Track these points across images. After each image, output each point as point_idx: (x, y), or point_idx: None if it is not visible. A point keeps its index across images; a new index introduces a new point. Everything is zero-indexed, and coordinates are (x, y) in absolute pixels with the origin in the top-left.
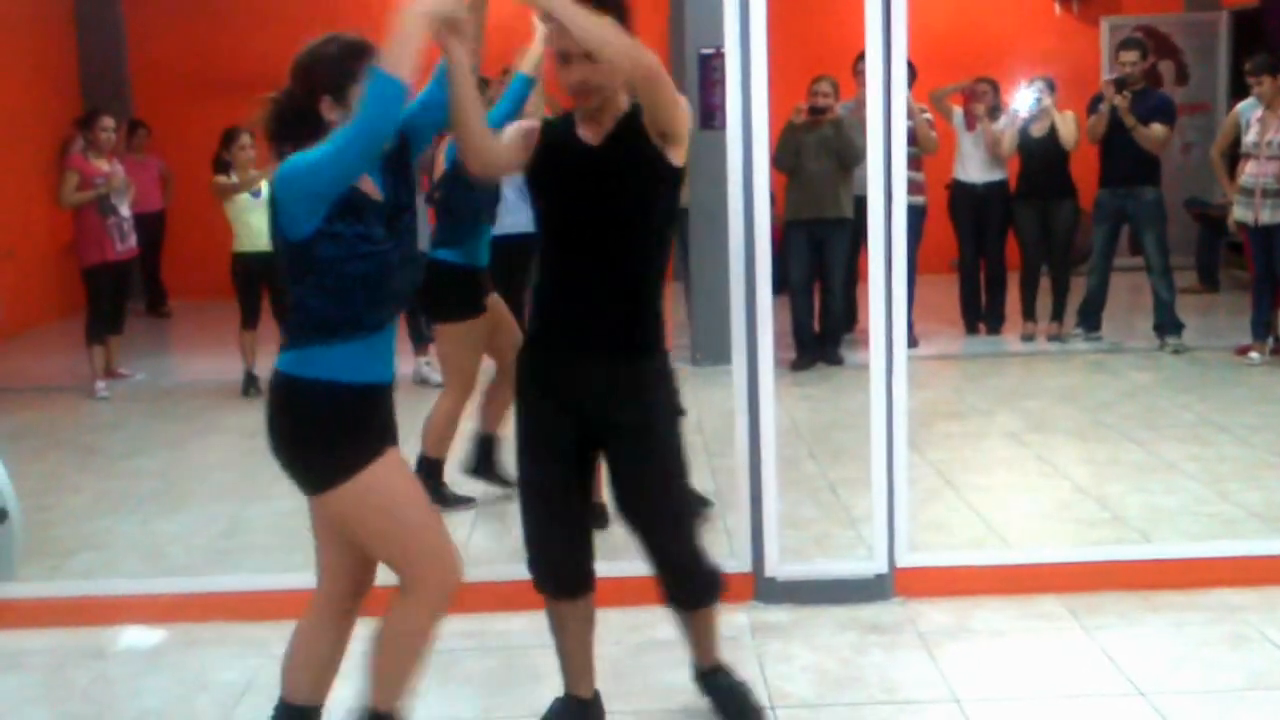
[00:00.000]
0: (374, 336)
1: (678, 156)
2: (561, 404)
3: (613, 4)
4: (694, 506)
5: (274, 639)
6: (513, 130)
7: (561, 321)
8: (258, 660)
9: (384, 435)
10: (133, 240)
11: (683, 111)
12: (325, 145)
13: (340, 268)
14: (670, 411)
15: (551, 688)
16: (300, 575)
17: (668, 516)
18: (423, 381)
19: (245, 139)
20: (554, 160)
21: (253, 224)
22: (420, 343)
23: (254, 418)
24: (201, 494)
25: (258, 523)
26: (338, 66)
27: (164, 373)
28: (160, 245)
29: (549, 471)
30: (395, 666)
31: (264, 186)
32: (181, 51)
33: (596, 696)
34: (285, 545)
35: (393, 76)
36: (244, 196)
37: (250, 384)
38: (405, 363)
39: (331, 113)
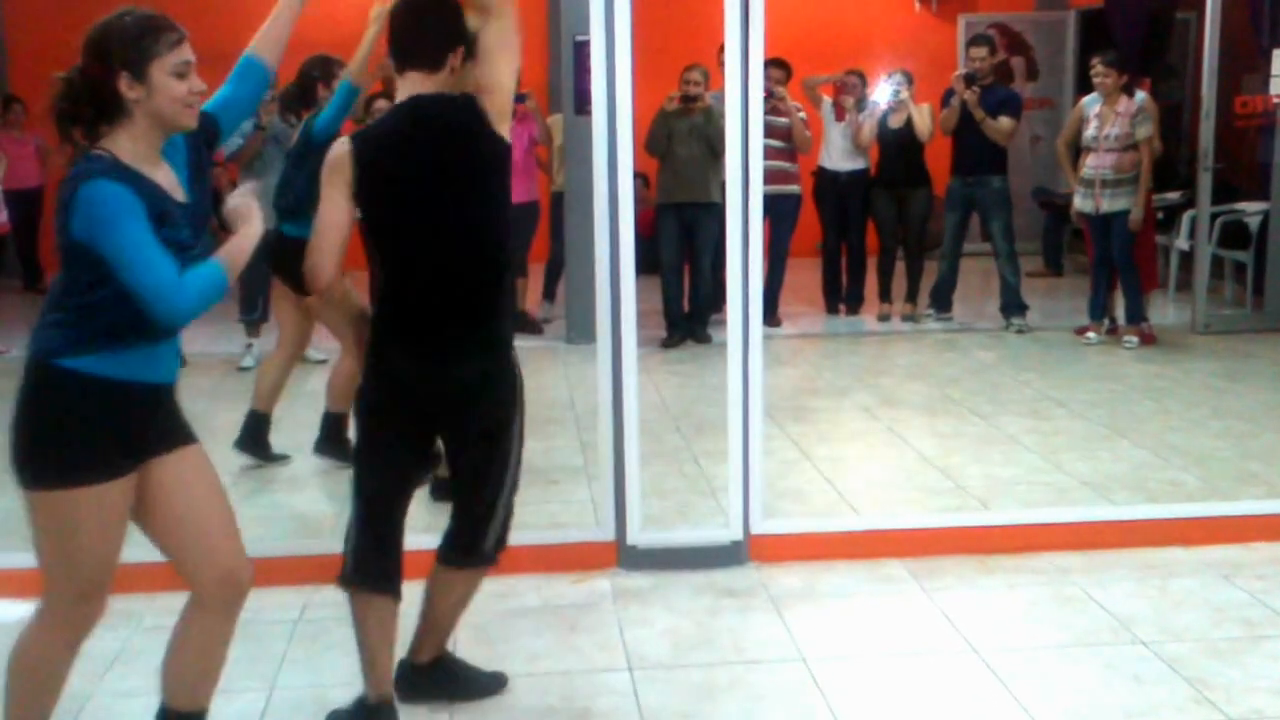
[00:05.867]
0: (164, 342)
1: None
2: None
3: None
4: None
5: None
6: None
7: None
8: None
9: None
10: (3, 216)
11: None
12: (127, 230)
13: None
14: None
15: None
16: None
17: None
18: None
19: None
20: None
21: None
22: None
23: None
24: None
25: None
26: (136, 42)
27: None
28: (37, 222)
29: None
30: None
31: None
32: (61, 27)
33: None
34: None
35: (224, 280)
36: None
37: None
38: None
39: (132, 91)
